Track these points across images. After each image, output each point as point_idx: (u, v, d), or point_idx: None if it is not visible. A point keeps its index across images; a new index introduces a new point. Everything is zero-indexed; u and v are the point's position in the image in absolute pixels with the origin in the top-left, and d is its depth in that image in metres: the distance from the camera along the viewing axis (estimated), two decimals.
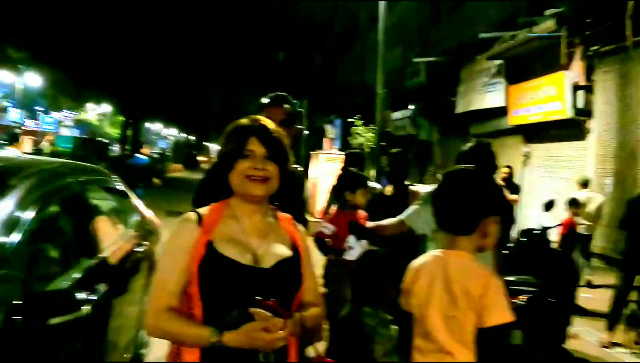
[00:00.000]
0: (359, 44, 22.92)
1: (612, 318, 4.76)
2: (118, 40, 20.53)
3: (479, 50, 11.60)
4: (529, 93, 10.00)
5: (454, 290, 1.46)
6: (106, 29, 19.78)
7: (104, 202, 3.04)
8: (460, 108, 13.21)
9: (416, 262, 1.64)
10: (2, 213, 1.84)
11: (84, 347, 2.17)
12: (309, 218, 4.36)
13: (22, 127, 26.85)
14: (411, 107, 16.96)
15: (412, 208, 2.93)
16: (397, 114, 17.71)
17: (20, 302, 1.60)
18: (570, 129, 9.19)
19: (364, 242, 2.94)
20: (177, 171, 34.20)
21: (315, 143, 20.81)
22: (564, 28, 8.41)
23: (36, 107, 30.03)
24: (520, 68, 10.48)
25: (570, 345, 4.27)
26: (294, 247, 1.52)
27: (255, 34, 25.62)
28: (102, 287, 2.41)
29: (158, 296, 1.41)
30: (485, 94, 11.91)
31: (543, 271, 4.13)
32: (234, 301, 1.36)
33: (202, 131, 43.30)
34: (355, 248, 2.92)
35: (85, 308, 1.80)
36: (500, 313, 1.42)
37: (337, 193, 3.14)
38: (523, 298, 3.68)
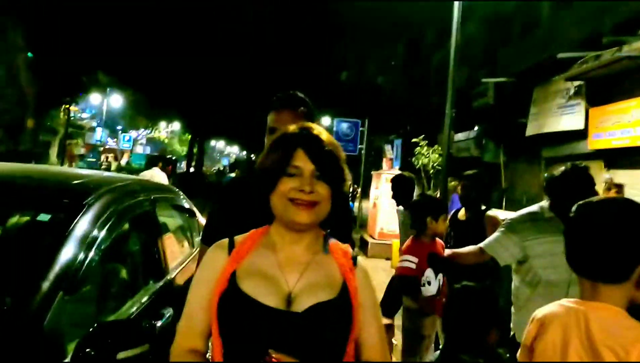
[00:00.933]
0: (422, 64, 22.60)
1: None
2: (191, 62, 21.82)
3: (555, 71, 11.01)
4: (613, 116, 9.28)
5: (600, 353, 1.14)
6: (179, 53, 21.14)
7: (173, 220, 2.96)
8: (531, 130, 12.54)
9: (541, 312, 1.32)
10: (79, 233, 1.75)
11: None
12: (367, 238, 4.08)
13: (105, 146, 28.95)
14: (476, 128, 16.37)
15: (494, 235, 2.62)
16: (460, 136, 17.13)
17: (92, 331, 1.48)
18: None
19: (440, 276, 2.64)
20: None
21: (374, 162, 20.55)
22: None
23: (117, 127, 32.23)
24: (604, 90, 9.77)
25: None
26: (344, 287, 1.20)
27: (319, 54, 26.01)
28: (168, 311, 2.29)
29: (183, 335, 1.22)
30: (561, 116, 11.22)
31: None
32: (254, 349, 1.10)
33: (260, 148, 44.28)
34: (433, 283, 2.62)
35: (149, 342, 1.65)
36: None
37: (416, 219, 2.82)
38: None
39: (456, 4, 8.16)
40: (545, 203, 2.56)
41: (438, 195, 8.53)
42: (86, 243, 1.76)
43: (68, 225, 1.77)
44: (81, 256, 1.71)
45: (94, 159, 26.69)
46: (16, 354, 1.39)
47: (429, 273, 2.62)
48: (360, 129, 17.35)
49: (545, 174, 2.51)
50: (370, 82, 25.15)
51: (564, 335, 1.21)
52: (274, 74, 26.05)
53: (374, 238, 11.11)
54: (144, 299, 2.10)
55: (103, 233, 1.87)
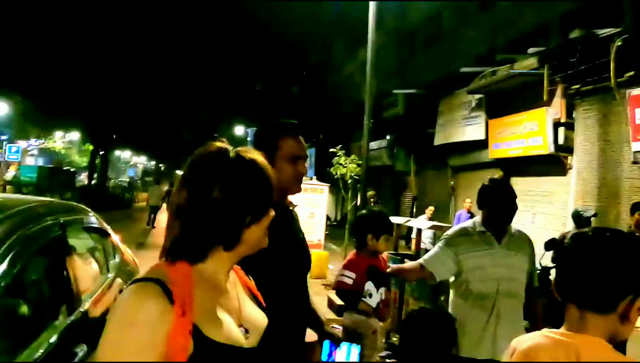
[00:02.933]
0: (332, 74, 23.12)
1: None
2: (89, 67, 20.16)
3: (458, 84, 11.77)
4: (509, 128, 10.10)
5: None
6: (75, 57, 19.43)
7: (84, 243, 2.68)
8: (438, 140, 13.28)
9: (524, 343, 1.28)
10: None
11: None
12: None
13: None
14: (388, 137, 17.03)
15: (433, 251, 2.72)
16: (372, 145, 17.72)
17: None
18: (551, 164, 9.28)
19: (383, 290, 2.66)
20: (145, 200, 33.25)
21: None
22: (546, 66, 8.57)
23: (1, 137, 28.88)
24: (501, 103, 10.63)
25: None
26: (257, 300, 1.24)
27: (231, 61, 25.59)
28: (81, 349, 2.05)
29: None
30: (465, 127, 12.01)
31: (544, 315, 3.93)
32: None
33: (173, 158, 42.44)
34: (374, 296, 2.63)
35: None
36: None
37: (357, 233, 2.80)
38: None
39: (372, 7, 8.34)
40: (478, 218, 2.70)
41: (358, 203, 8.71)
42: None
43: None
44: None
45: None
46: None
47: (369, 286, 2.62)
48: None
49: (480, 188, 2.67)
50: (285, 91, 25.23)
51: None
52: (186, 81, 25.16)
53: None
54: (53, 339, 1.85)
55: (3, 266, 1.62)
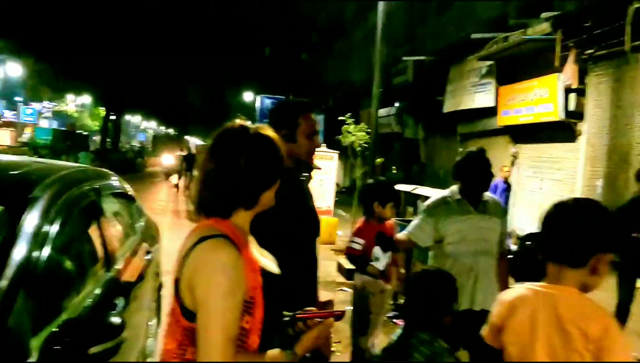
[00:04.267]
0: (343, 40, 22.81)
1: None
2: (101, 31, 20.13)
3: (469, 50, 11.65)
4: (519, 94, 10.07)
5: (568, 329, 1.37)
6: (89, 20, 19.40)
7: (115, 207, 2.88)
8: (447, 107, 13.24)
9: (509, 295, 1.55)
10: (29, 228, 1.68)
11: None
12: None
13: (1, 119, 26.03)
14: (397, 104, 16.97)
15: (414, 222, 2.95)
16: (381, 112, 17.66)
17: (58, 329, 1.47)
18: (560, 131, 9.30)
19: (389, 254, 2.88)
20: (157, 165, 33.62)
21: None
22: (560, 31, 8.47)
23: (16, 98, 29.10)
24: (511, 69, 10.55)
25: None
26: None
27: (240, 27, 25.27)
28: (120, 301, 2.27)
29: (226, 350, 1.21)
30: (475, 94, 11.96)
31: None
32: (275, 316, 1.37)
33: (182, 124, 42.57)
34: (381, 260, 2.86)
35: (124, 334, 1.66)
36: (621, 355, 1.36)
37: (365, 203, 3.04)
38: None
39: None
40: (455, 187, 2.92)
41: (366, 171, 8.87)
42: (39, 238, 1.70)
43: (18, 220, 1.69)
44: (36, 252, 1.65)
45: None
46: None
47: (377, 251, 2.85)
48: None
49: (457, 159, 2.89)
50: (294, 58, 24.97)
51: (532, 314, 1.45)
52: (195, 46, 24.97)
53: None
54: (97, 291, 2.06)
55: (54, 226, 1.81)
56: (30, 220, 1.73)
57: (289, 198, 1.99)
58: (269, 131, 1.42)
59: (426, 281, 1.86)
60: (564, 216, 1.47)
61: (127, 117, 42.55)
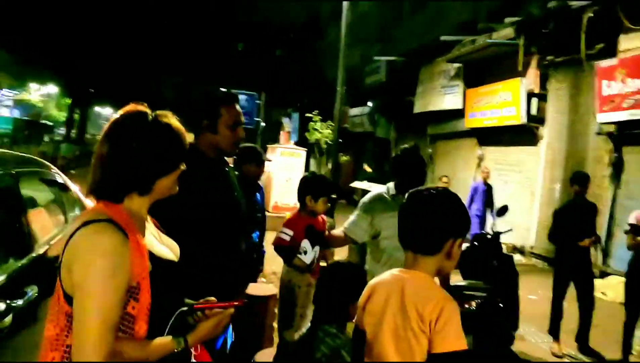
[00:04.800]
0: (319, 38, 22.80)
1: (552, 328, 4.85)
2: (66, 17, 19.56)
3: (439, 52, 11.77)
4: (485, 97, 10.22)
5: (408, 311, 1.41)
6: (53, 4, 18.81)
7: (41, 194, 2.77)
8: (418, 108, 13.36)
9: (375, 279, 1.60)
10: None
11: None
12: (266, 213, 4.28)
13: None
14: (370, 104, 17.04)
15: (351, 218, 2.93)
16: (355, 111, 17.75)
17: None
18: (523, 135, 9.48)
19: (317, 248, 2.86)
20: None
21: (272, 136, 20.55)
22: (522, 36, 8.63)
23: None
24: (478, 72, 10.70)
25: (517, 347, 4.34)
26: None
27: (214, 23, 24.96)
28: (31, 289, 2.18)
29: (103, 335, 1.18)
30: (444, 95, 12.09)
31: (493, 275, 4.18)
32: (167, 303, 1.36)
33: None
34: (309, 254, 2.84)
35: (6, 319, 1.58)
36: (452, 340, 1.37)
37: (299, 195, 3.02)
38: (473, 303, 3.70)
39: None
40: (391, 183, 2.92)
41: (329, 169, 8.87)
42: None
43: None
44: None
45: None
46: None
47: (305, 244, 2.82)
48: (257, 102, 17.24)
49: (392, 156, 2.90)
50: (268, 54, 24.82)
51: (386, 297, 1.49)
52: (169, 39, 24.56)
53: (268, 212, 11.27)
54: (1, 278, 1.98)
55: None
56: None
57: (206, 187, 1.95)
58: (170, 119, 1.40)
59: (332, 274, 1.84)
60: (416, 206, 1.51)
61: (98, 109, 41.66)
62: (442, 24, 12.24)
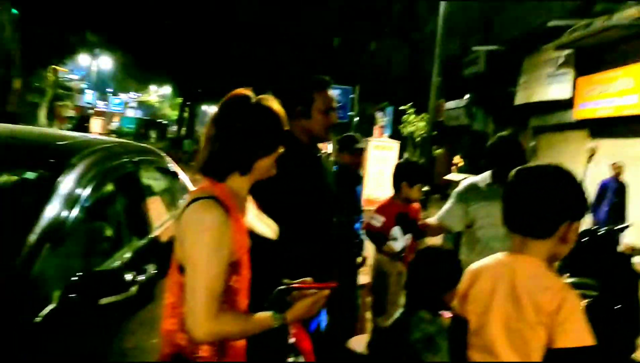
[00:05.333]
0: (414, 30, 22.30)
1: None
2: (180, 26, 21.55)
3: (545, 39, 10.99)
4: (599, 85, 9.37)
5: (521, 300, 1.28)
6: (170, 16, 20.86)
7: (156, 182, 3.06)
8: (520, 99, 12.61)
9: (476, 264, 1.48)
10: (63, 190, 1.86)
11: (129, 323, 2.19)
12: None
13: (94, 109, 28.63)
14: (466, 96, 16.38)
15: (445, 207, 2.87)
16: (451, 104, 17.14)
17: (77, 279, 1.62)
18: None
19: (408, 236, 2.84)
20: None
21: (366, 129, 20.55)
22: None
23: (107, 89, 31.80)
24: (592, 59, 9.81)
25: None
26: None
27: (311, 19, 25.52)
28: (150, 268, 2.42)
29: (209, 303, 1.30)
30: (550, 85, 11.28)
31: (607, 276, 3.84)
32: (265, 280, 1.43)
33: None
34: (399, 241, 2.83)
35: (133, 289, 1.80)
36: (577, 335, 1.23)
37: (394, 181, 3.02)
38: (583, 303, 3.43)
39: None
40: (487, 173, 2.82)
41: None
42: (71, 200, 1.86)
43: (53, 183, 1.87)
44: (65, 212, 1.81)
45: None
46: (5, 299, 1.51)
47: (395, 231, 2.82)
48: (351, 96, 17.32)
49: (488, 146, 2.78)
50: (363, 48, 24.81)
51: (493, 284, 1.37)
52: (266, 38, 25.59)
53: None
54: (127, 255, 2.22)
55: (87, 191, 1.97)
56: (65, 184, 1.90)
57: (297, 172, 2.01)
58: (272, 102, 1.48)
59: (426, 260, 1.82)
60: (528, 184, 1.35)
61: (204, 107, 45.00)
62: (547, 9, 11.41)
